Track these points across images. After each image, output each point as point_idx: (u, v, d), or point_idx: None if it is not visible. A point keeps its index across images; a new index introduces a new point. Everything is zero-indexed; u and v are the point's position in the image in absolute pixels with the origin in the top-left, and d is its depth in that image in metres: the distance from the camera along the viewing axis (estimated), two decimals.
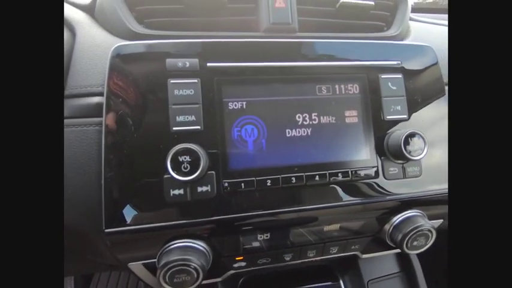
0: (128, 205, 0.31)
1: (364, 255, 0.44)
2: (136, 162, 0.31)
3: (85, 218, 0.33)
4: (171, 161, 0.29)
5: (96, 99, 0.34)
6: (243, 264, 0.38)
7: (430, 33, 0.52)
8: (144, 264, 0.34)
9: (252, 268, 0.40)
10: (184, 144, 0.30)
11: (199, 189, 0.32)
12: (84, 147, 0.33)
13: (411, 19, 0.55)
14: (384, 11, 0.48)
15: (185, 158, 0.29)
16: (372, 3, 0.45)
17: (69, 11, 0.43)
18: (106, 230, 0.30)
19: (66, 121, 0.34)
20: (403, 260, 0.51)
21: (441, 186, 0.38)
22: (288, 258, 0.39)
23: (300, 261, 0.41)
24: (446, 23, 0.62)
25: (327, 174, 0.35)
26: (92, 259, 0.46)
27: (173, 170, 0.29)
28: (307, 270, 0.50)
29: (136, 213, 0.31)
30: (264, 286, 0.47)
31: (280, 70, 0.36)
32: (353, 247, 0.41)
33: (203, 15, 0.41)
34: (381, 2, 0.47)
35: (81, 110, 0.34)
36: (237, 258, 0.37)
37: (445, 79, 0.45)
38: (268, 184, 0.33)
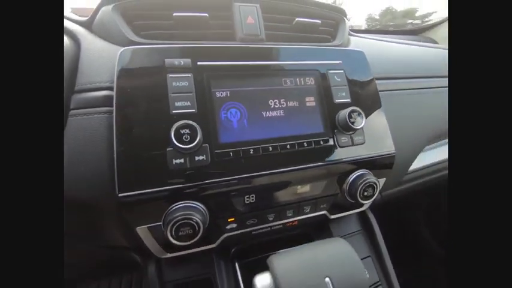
0: (137, 173, 0.37)
1: (332, 216, 0.54)
2: (143, 139, 0.38)
3: (98, 190, 0.38)
4: (174, 134, 0.37)
5: (104, 93, 0.41)
6: (234, 225, 0.45)
7: (364, 44, 0.69)
8: (149, 228, 0.40)
9: (242, 230, 0.47)
10: (184, 120, 0.38)
11: (197, 158, 0.40)
12: (95, 131, 0.39)
13: (351, 35, 0.72)
14: (329, 28, 0.63)
15: (185, 131, 0.37)
16: (319, 21, 0.59)
17: (70, 25, 0.50)
18: (119, 195, 0.36)
19: (79, 111, 0.40)
20: (363, 220, 0.62)
21: (380, 150, 0.51)
22: (271, 218, 0.48)
23: (282, 222, 0.49)
24: (382, 38, 0.81)
25: (296, 144, 0.45)
26: (93, 245, 0.49)
27: (176, 140, 0.37)
28: (289, 238, 0.58)
29: (144, 179, 0.37)
30: (253, 253, 0.54)
31: (254, 67, 0.47)
32: (322, 206, 0.51)
33: (189, 29, 0.51)
34: (326, 21, 0.62)
35: (91, 101, 0.41)
36: (229, 220, 0.45)
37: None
38: (251, 153, 0.42)
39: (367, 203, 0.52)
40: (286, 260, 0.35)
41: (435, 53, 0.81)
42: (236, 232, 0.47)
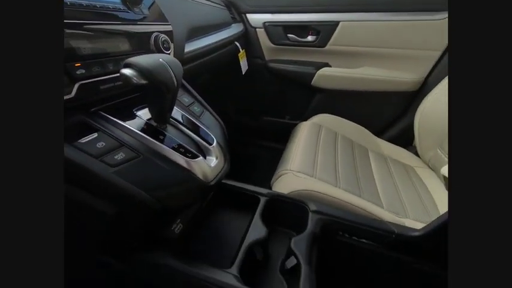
0: None
1: None
2: None
3: None
4: None
5: None
6: (84, 71, 0.57)
7: None
8: None
9: (92, 80, 0.59)
10: None
11: None
12: None
13: None
14: None
15: None
16: None
17: None
18: None
19: None
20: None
21: (163, 22, 0.81)
22: (111, 68, 0.63)
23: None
24: None
25: (104, 8, 0.62)
26: None
27: None
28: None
29: None
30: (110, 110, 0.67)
31: None
32: None
33: None
34: None
35: None
36: (76, 65, 0.55)
37: None
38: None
39: (169, 53, 0.83)
40: (140, 57, 0.57)
41: None
42: (87, 81, 0.58)
